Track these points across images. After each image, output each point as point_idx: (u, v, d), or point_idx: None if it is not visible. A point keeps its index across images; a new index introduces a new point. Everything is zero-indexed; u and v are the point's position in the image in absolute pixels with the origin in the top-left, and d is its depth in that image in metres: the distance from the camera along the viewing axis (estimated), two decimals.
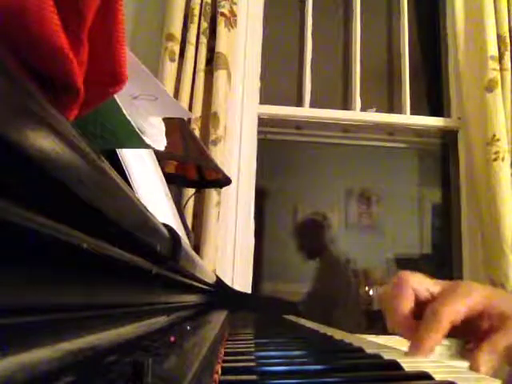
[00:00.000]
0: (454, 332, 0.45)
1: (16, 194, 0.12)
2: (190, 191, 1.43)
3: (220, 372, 0.33)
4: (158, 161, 0.79)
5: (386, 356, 0.41)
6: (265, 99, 1.81)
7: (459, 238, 1.77)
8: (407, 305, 0.47)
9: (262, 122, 1.80)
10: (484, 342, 0.44)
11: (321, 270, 2.00)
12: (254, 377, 0.32)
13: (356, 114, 1.85)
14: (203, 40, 1.57)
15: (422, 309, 0.46)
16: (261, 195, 1.87)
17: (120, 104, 0.32)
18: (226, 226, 1.60)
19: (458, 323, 0.44)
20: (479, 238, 1.66)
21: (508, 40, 1.68)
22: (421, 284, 0.48)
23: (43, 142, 0.12)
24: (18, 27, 0.16)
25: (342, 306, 1.96)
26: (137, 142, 0.37)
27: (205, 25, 1.59)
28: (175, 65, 1.55)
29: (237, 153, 1.70)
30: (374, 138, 1.99)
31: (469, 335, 0.47)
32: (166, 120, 0.47)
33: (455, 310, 0.44)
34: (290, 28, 1.97)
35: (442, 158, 1.97)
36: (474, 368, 0.43)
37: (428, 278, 0.49)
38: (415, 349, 0.43)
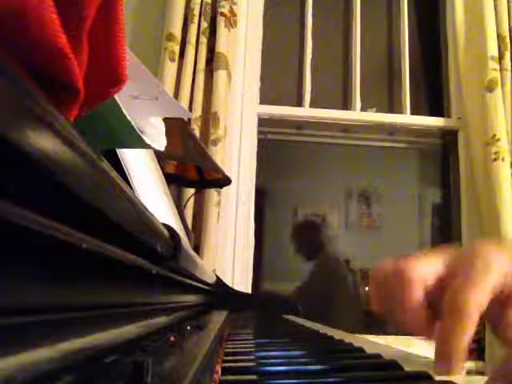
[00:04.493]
0: None
1: (16, 194, 0.12)
2: (190, 191, 1.43)
3: (220, 372, 0.33)
4: (158, 161, 0.79)
5: (386, 356, 0.41)
6: (265, 99, 1.80)
7: (459, 237, 1.77)
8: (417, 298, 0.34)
9: (262, 122, 1.80)
10: None
11: (317, 271, 1.99)
12: (253, 377, 0.32)
13: (356, 114, 1.85)
14: (203, 40, 1.57)
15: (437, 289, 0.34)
16: (261, 195, 1.87)
17: (120, 104, 0.32)
18: (226, 226, 1.60)
19: (484, 311, 0.32)
20: (479, 237, 1.66)
21: (508, 40, 1.68)
22: (429, 273, 0.35)
23: (43, 141, 0.12)
24: (18, 28, 0.16)
25: (340, 306, 1.96)
26: (137, 142, 0.37)
27: (205, 25, 1.59)
28: (175, 65, 1.55)
29: (237, 153, 1.69)
30: (374, 138, 1.98)
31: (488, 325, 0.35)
32: (166, 120, 0.47)
33: (480, 294, 0.31)
34: (290, 28, 1.97)
35: (442, 158, 1.97)
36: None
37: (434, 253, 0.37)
38: (446, 360, 0.31)
